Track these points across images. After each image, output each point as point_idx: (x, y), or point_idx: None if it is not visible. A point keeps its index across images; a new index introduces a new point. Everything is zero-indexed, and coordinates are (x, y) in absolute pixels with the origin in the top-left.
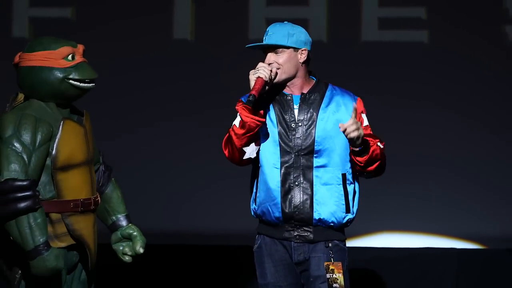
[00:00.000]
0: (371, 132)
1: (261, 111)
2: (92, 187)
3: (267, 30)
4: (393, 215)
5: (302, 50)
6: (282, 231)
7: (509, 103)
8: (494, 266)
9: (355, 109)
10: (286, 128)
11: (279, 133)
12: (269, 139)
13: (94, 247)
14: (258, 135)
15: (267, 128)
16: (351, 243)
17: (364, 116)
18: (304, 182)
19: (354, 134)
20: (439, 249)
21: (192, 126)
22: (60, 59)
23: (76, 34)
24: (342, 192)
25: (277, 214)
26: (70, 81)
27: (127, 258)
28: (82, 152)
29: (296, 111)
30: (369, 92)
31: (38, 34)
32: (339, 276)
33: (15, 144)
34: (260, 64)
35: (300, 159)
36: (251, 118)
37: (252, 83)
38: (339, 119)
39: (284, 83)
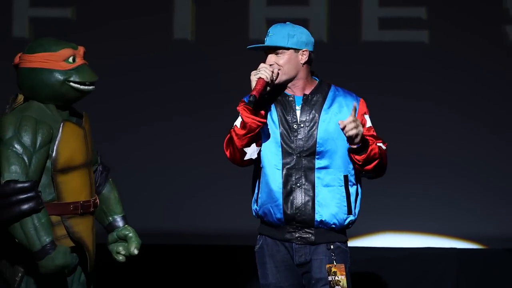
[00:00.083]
0: (375, 134)
1: (262, 112)
2: (91, 189)
3: (268, 31)
4: (393, 215)
5: (303, 51)
6: (284, 232)
7: (509, 103)
8: (494, 266)
9: (355, 108)
10: (288, 129)
11: (281, 134)
12: (270, 140)
13: (93, 249)
14: (259, 136)
15: (268, 129)
16: (351, 243)
17: (367, 117)
18: (306, 183)
19: (353, 132)
20: (439, 249)
21: (192, 126)
22: (61, 61)
23: (76, 34)
24: (344, 194)
25: (279, 215)
26: (71, 83)
27: (120, 258)
28: (82, 154)
29: (298, 112)
30: (369, 92)
31: (38, 34)
32: (341, 278)
33: (15, 145)
34: (262, 65)
35: (302, 161)
36: (252, 119)
37: (253, 84)
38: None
39: (285, 84)
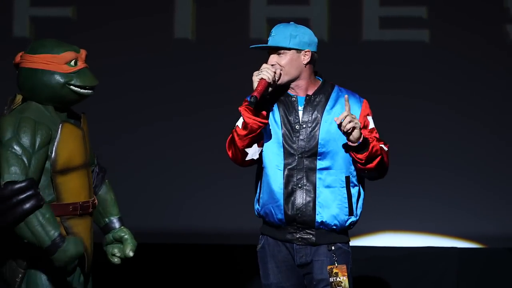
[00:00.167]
0: (377, 136)
1: (264, 112)
2: (90, 190)
3: (271, 31)
4: (393, 215)
5: (305, 52)
6: (285, 233)
7: (509, 103)
8: (495, 265)
9: (347, 99)
10: (290, 130)
11: (283, 135)
12: (273, 140)
13: (91, 250)
14: (261, 136)
15: (270, 129)
16: (351, 242)
17: (370, 118)
18: (307, 184)
19: (350, 125)
20: (439, 248)
21: (192, 126)
22: (62, 64)
23: (77, 33)
24: (346, 195)
25: (280, 216)
26: (71, 86)
27: (116, 260)
28: (81, 155)
29: (300, 113)
30: (369, 91)
31: (39, 33)
32: (343, 279)
33: (14, 147)
34: (264, 65)
35: (304, 161)
36: (253, 120)
37: (255, 84)
38: None
39: (288, 84)
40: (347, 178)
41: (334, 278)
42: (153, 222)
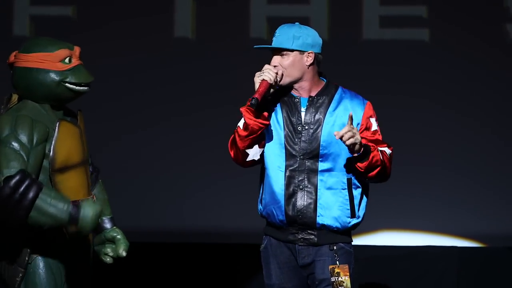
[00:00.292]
0: (380, 138)
1: (266, 113)
2: (88, 188)
3: (275, 31)
4: (394, 214)
5: (308, 53)
6: (287, 233)
7: (509, 102)
8: (495, 264)
9: (351, 118)
10: (293, 131)
11: (285, 136)
12: (275, 141)
13: (92, 248)
14: (262, 137)
15: (273, 130)
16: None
17: (373, 120)
18: (309, 186)
19: (350, 142)
20: (440, 247)
21: (192, 125)
22: (57, 62)
23: (77, 33)
24: (347, 197)
25: (281, 217)
26: (67, 84)
27: (108, 259)
28: (78, 153)
29: (303, 114)
30: (369, 90)
31: (39, 32)
32: (345, 279)
33: (13, 143)
34: (266, 66)
35: (305, 163)
36: (254, 121)
37: (256, 86)
38: (346, 123)
39: (291, 86)
40: (349, 180)
41: (336, 278)
42: (154, 221)
